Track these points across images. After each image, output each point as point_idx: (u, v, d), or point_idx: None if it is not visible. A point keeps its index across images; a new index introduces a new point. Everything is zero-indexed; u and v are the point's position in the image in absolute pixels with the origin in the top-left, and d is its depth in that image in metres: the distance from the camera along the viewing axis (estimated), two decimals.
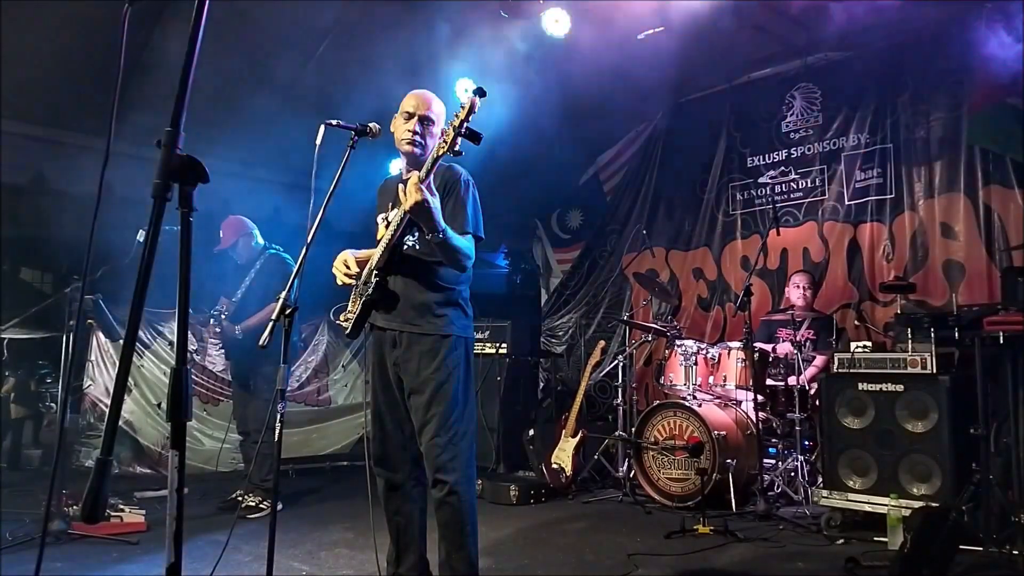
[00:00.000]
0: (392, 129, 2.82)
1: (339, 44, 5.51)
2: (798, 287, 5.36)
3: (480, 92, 2.48)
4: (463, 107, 2.48)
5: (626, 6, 5.39)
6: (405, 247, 2.72)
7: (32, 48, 4.52)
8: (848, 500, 4.01)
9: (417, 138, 2.73)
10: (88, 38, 4.36)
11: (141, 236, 3.89)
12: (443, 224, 2.53)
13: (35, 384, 6.16)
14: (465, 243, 2.69)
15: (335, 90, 5.71)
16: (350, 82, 5.78)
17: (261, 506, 4.53)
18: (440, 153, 2.52)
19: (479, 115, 2.48)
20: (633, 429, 5.08)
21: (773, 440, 4.98)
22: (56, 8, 4.39)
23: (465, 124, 2.47)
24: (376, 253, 2.70)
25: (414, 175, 2.50)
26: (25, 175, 4.88)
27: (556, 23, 5.45)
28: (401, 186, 2.52)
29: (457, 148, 2.53)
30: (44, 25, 4.47)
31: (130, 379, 5.76)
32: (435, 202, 2.49)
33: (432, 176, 2.56)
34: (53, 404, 6.03)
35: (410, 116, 2.76)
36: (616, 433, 5.47)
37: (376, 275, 2.68)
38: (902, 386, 3.92)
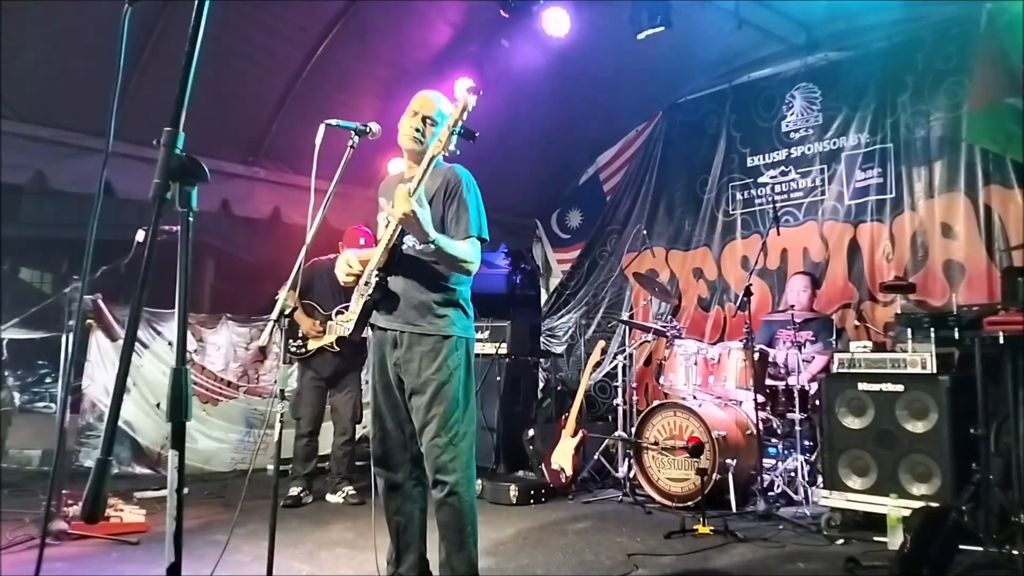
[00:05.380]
0: (399, 127, 2.83)
1: (339, 43, 5.49)
2: (795, 290, 5.35)
3: (474, 90, 2.51)
4: (456, 106, 2.51)
5: (626, 5, 5.39)
6: (404, 247, 2.72)
7: (33, 48, 4.52)
8: (848, 500, 4.01)
9: (417, 134, 2.76)
10: (89, 37, 4.36)
11: (141, 236, 3.89)
12: (434, 233, 2.56)
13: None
14: (466, 248, 2.69)
15: (335, 87, 5.72)
16: (350, 80, 5.80)
17: (350, 492, 4.94)
18: (435, 153, 2.55)
19: (478, 113, 2.49)
20: (633, 429, 5.07)
21: (773, 440, 4.98)
22: (57, 7, 4.38)
23: (459, 123, 2.51)
24: (376, 253, 2.70)
25: (403, 187, 2.51)
26: (25, 175, 4.87)
27: (556, 23, 5.44)
28: (400, 187, 2.53)
29: (452, 148, 2.56)
30: (45, 24, 4.46)
31: (129, 379, 5.75)
32: (423, 213, 2.51)
33: (429, 175, 2.58)
34: (52, 404, 6.03)
35: (415, 114, 2.80)
36: (616, 433, 5.47)
37: (376, 275, 2.68)
38: (902, 386, 3.92)
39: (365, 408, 6.47)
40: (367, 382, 4.24)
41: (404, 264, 2.71)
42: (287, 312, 2.70)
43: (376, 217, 2.92)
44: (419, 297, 2.72)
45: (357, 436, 5.20)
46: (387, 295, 2.70)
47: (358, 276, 2.77)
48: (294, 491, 4.86)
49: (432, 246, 2.57)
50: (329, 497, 4.99)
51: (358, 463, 6.12)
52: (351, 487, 4.97)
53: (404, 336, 2.73)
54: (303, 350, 4.98)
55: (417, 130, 2.76)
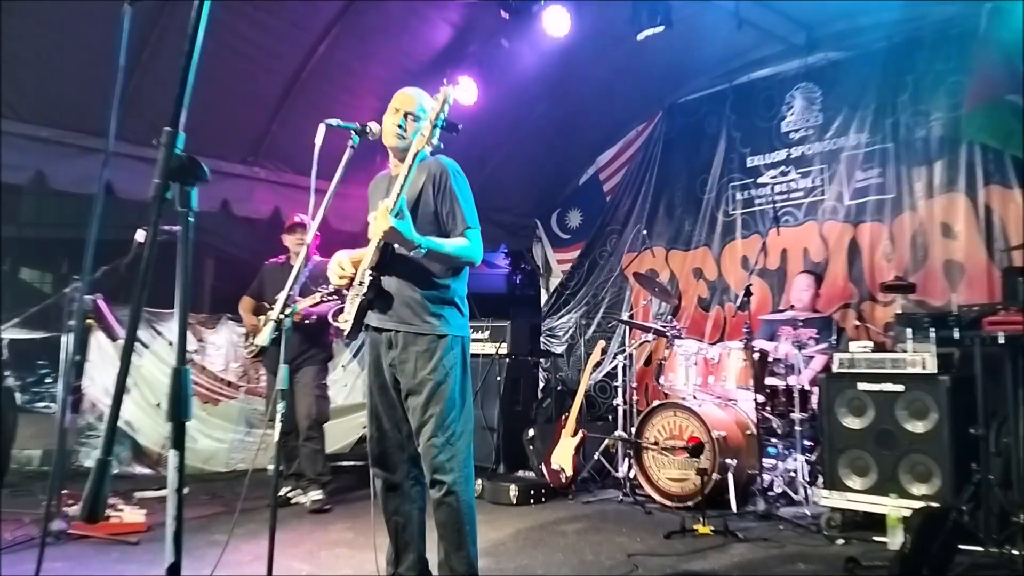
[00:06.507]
0: (382, 125, 2.84)
1: (339, 43, 5.49)
2: (799, 289, 5.34)
3: (453, 82, 2.55)
4: (436, 100, 2.55)
5: (626, 5, 5.39)
6: (396, 246, 2.70)
7: (33, 48, 4.52)
8: (848, 500, 4.01)
9: (400, 131, 2.77)
10: (89, 37, 4.36)
11: (141, 236, 3.89)
12: (419, 239, 2.56)
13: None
14: (462, 243, 2.70)
15: (335, 87, 5.72)
16: (350, 80, 5.79)
17: (315, 497, 4.73)
18: (418, 148, 2.58)
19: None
20: (633, 429, 5.07)
21: (773, 440, 4.98)
22: (57, 7, 4.38)
23: (441, 116, 2.56)
24: (368, 252, 2.69)
25: (383, 203, 2.52)
26: (25, 175, 4.87)
27: (556, 23, 5.44)
28: (381, 203, 2.55)
29: (435, 142, 2.61)
30: (45, 24, 4.46)
31: (130, 379, 5.76)
32: (404, 225, 2.52)
33: (415, 170, 2.60)
34: (52, 404, 6.02)
35: (396, 111, 2.81)
36: (616, 433, 5.47)
37: (370, 275, 2.67)
38: (902, 386, 3.92)
39: (359, 413, 6.44)
40: (364, 384, 4.25)
41: (397, 263, 2.70)
42: (288, 313, 2.70)
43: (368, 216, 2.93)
44: (413, 296, 2.71)
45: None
46: (381, 294, 2.70)
47: (351, 279, 2.76)
48: (282, 491, 4.82)
49: (422, 252, 2.57)
50: (299, 498, 4.87)
51: (357, 463, 6.13)
52: (320, 491, 4.77)
53: (399, 336, 2.72)
54: (253, 348, 4.86)
55: (400, 127, 2.77)
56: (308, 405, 4.81)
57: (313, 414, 4.81)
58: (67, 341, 4.14)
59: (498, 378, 5.99)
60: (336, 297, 4.32)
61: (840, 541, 3.85)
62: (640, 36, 5.41)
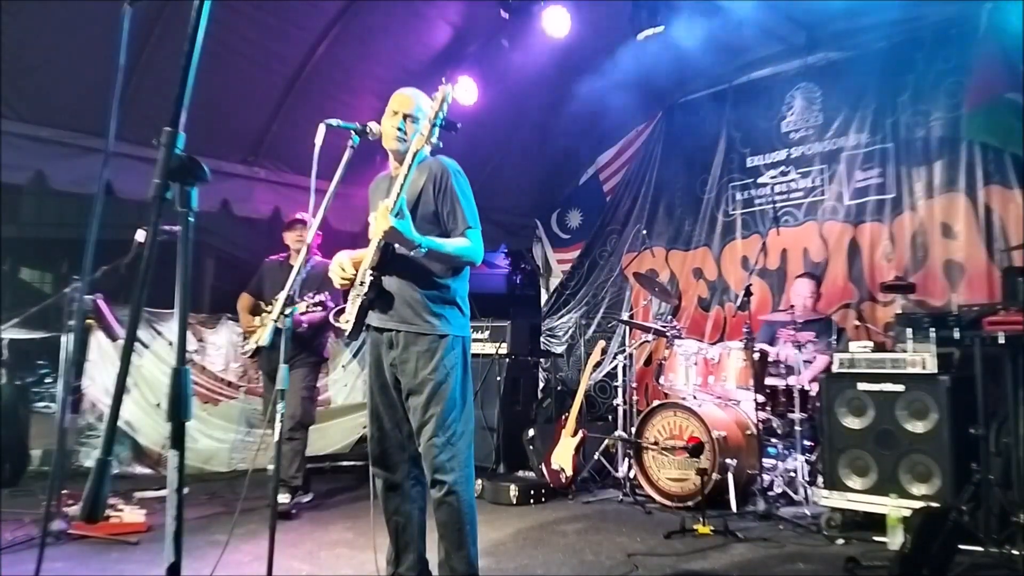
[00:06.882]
0: (381, 128, 2.84)
1: (339, 43, 5.50)
2: (801, 294, 5.29)
3: (451, 81, 2.55)
4: (435, 99, 2.56)
5: (626, 5, 5.40)
6: (396, 246, 2.69)
7: (33, 48, 4.52)
8: (848, 500, 4.01)
9: (400, 133, 2.78)
10: (89, 37, 4.36)
11: (141, 236, 3.89)
12: (419, 238, 2.55)
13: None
14: (463, 243, 2.70)
15: (335, 87, 5.72)
16: (350, 80, 5.80)
17: (280, 501, 4.49)
18: (417, 148, 2.58)
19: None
20: (633, 429, 5.07)
21: (773, 440, 4.98)
22: (57, 8, 4.38)
23: (439, 114, 2.56)
24: (369, 252, 2.69)
25: (383, 203, 2.53)
26: (25, 175, 4.87)
27: (556, 23, 5.44)
28: (381, 203, 2.55)
29: (434, 140, 2.61)
30: (45, 24, 4.47)
31: (130, 379, 5.75)
32: (404, 224, 2.52)
33: (415, 170, 2.60)
34: (52, 404, 6.02)
35: (395, 113, 2.81)
36: (616, 433, 5.47)
37: (371, 275, 2.67)
38: (902, 386, 3.92)
39: (359, 413, 6.38)
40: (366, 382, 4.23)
41: (398, 262, 2.70)
42: (287, 313, 2.70)
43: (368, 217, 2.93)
44: (414, 295, 2.71)
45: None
46: (382, 294, 2.70)
47: (352, 279, 2.76)
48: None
49: (422, 251, 2.57)
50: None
51: (357, 463, 6.12)
52: (287, 495, 4.54)
53: (400, 336, 2.72)
54: (250, 349, 4.80)
55: (400, 129, 2.77)
56: (294, 406, 4.63)
57: (297, 415, 4.66)
58: (67, 341, 4.15)
59: (498, 378, 5.99)
60: (320, 308, 4.24)
61: (840, 541, 3.85)
62: (640, 36, 5.41)
